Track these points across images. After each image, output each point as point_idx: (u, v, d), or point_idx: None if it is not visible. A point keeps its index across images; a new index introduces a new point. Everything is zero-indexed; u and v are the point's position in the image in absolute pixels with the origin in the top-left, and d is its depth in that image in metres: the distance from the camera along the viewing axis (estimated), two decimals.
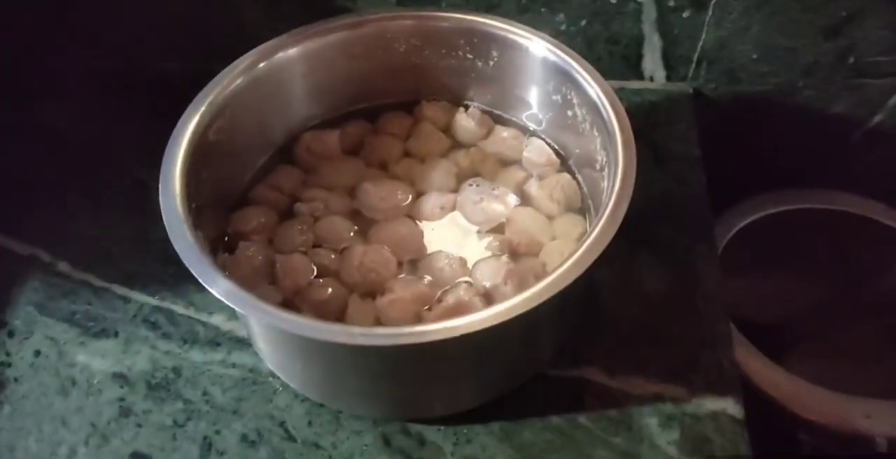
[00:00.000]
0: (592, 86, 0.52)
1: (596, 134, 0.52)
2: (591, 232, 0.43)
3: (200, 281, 0.42)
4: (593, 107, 0.51)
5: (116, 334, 0.58)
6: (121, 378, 0.56)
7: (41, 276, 0.63)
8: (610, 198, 0.45)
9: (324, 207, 0.56)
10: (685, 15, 0.68)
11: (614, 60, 0.73)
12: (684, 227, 0.63)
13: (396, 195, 0.56)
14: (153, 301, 0.60)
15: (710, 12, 0.68)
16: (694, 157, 0.68)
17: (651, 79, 0.75)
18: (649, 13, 0.69)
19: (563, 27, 0.71)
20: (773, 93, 0.75)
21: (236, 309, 0.42)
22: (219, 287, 0.42)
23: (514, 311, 0.40)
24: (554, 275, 0.42)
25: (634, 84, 0.75)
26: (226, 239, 0.55)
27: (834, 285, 0.72)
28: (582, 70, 0.53)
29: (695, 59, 0.72)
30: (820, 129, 0.78)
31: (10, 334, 0.59)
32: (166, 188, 0.47)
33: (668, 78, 0.75)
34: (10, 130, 0.73)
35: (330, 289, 0.51)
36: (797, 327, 0.71)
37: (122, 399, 0.55)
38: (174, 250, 0.43)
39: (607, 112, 0.50)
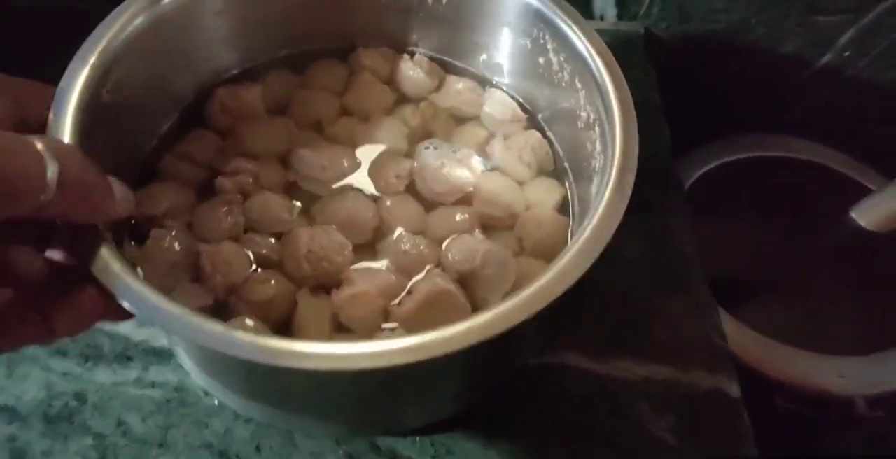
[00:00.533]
0: (574, 30, 0.44)
1: (579, 85, 0.44)
2: (595, 212, 0.36)
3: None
4: (575, 54, 0.44)
5: None
6: (7, 411, 0.45)
7: None
8: (610, 171, 0.38)
9: (252, 181, 0.46)
10: None
11: None
12: (654, 183, 0.57)
13: (341, 162, 0.47)
14: None
15: None
16: (655, 105, 0.63)
17: (601, 18, 0.68)
18: None
19: None
20: (724, 32, 0.70)
21: (159, 326, 0.32)
22: (130, 295, 0.32)
23: (515, 318, 0.33)
24: (555, 270, 0.34)
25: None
26: (132, 222, 0.44)
27: (790, 233, 0.69)
28: (560, 9, 0.44)
29: None
30: (771, 70, 0.74)
31: None
32: None
33: (619, 17, 0.68)
34: None
35: (274, 285, 0.42)
36: (755, 278, 0.68)
37: (12, 440, 0.44)
38: None
39: (595, 61, 0.42)
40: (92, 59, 0.40)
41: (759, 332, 0.63)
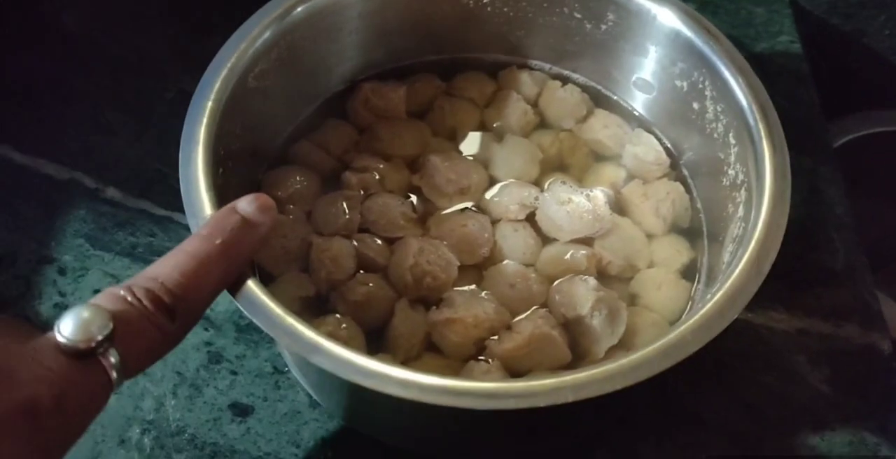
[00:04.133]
0: (738, 81, 0.41)
1: (733, 141, 0.41)
2: (723, 286, 0.34)
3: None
4: (735, 107, 0.41)
5: None
6: (204, 320, 0.47)
7: (88, 204, 0.52)
8: (748, 243, 0.35)
9: (378, 180, 0.46)
10: None
11: None
12: (803, 148, 0.56)
13: (470, 177, 0.46)
14: None
15: None
16: (803, 73, 0.61)
17: None
18: None
19: None
20: (870, 5, 0.67)
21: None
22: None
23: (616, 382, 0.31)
24: (666, 341, 0.32)
25: None
26: None
27: None
28: (727, 57, 0.42)
29: None
30: None
31: (61, 271, 0.50)
32: (188, 159, 0.37)
33: None
34: (24, 35, 0.61)
35: (373, 288, 0.42)
36: (887, 250, 0.67)
37: (209, 344, 0.47)
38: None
39: (755, 118, 0.39)
40: (241, 46, 0.41)
41: None
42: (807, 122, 0.58)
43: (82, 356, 0.27)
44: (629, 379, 0.31)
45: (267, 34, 0.41)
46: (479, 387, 0.31)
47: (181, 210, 0.42)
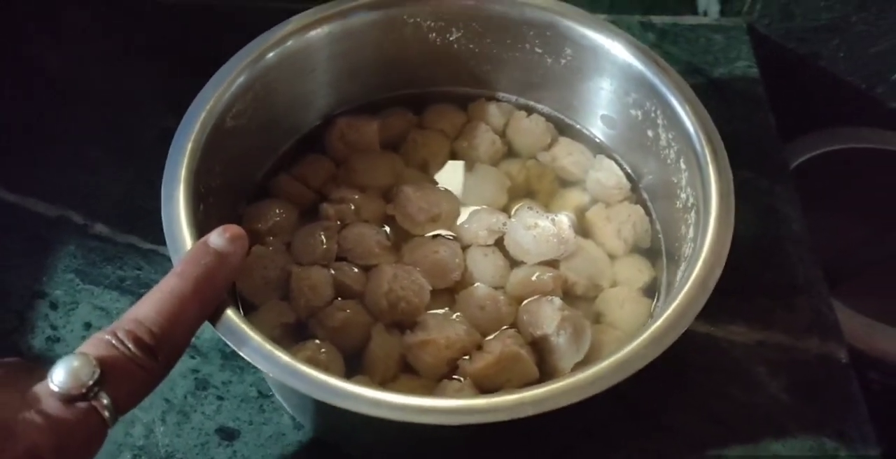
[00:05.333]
0: (686, 111, 0.44)
1: (683, 166, 0.44)
2: (671, 303, 0.36)
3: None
4: (684, 135, 0.43)
5: None
6: (191, 348, 0.50)
7: (77, 240, 0.55)
8: (696, 263, 0.37)
9: (354, 211, 0.49)
10: None
11: None
12: (761, 169, 0.59)
13: (441, 205, 0.49)
14: None
15: None
16: (760, 96, 0.65)
17: (705, 13, 0.70)
18: None
19: None
20: (824, 30, 0.71)
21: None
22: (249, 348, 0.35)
23: (584, 391, 0.34)
24: (623, 353, 0.35)
25: (689, 19, 0.71)
26: None
27: (881, 224, 0.73)
28: (675, 88, 0.44)
29: None
30: (862, 67, 0.74)
31: (53, 305, 0.52)
32: (169, 197, 0.40)
33: (722, 12, 0.70)
34: (9, 77, 0.64)
35: (350, 314, 0.44)
36: (847, 264, 0.72)
37: (195, 371, 0.49)
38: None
39: (702, 145, 0.42)
40: (219, 90, 0.44)
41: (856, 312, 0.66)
42: (763, 144, 0.61)
43: (76, 401, 0.30)
44: (587, 392, 0.33)
45: (242, 78, 0.44)
46: (446, 405, 0.33)
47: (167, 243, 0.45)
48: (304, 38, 0.47)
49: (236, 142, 0.45)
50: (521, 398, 0.33)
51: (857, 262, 0.78)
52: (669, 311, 0.35)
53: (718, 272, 0.37)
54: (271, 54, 0.46)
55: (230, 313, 0.35)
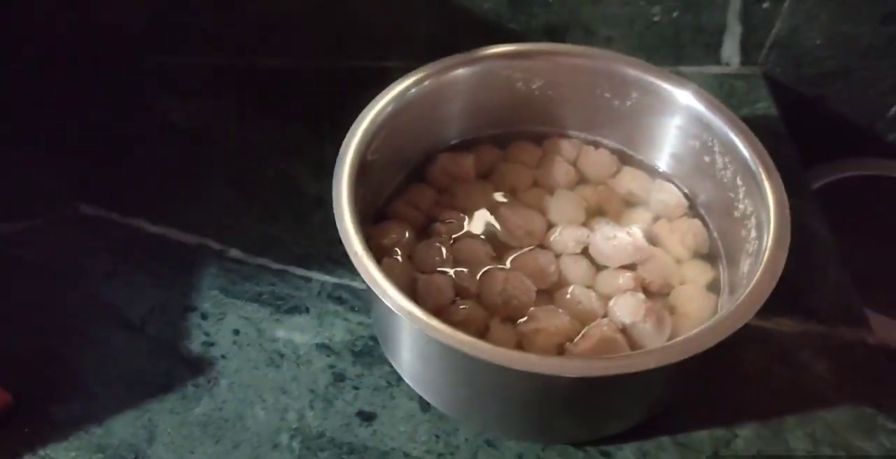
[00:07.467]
0: (741, 139, 0.54)
1: (740, 183, 0.54)
2: (748, 286, 0.46)
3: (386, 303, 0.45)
4: (740, 158, 0.54)
5: (307, 310, 0.62)
6: (325, 348, 0.59)
7: (217, 263, 0.65)
8: (764, 254, 0.47)
9: (461, 228, 0.59)
10: (765, 5, 0.75)
11: (697, 47, 0.80)
12: (790, 191, 0.64)
13: (534, 223, 0.59)
14: (332, 279, 0.63)
15: (787, 3, 0.75)
16: (781, 132, 0.76)
17: (727, 64, 0.82)
18: (735, 4, 0.76)
19: (656, 18, 0.77)
20: (829, 76, 0.82)
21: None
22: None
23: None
24: (714, 321, 0.44)
25: (714, 69, 0.82)
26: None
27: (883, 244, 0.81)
28: (729, 120, 0.55)
29: (767, 45, 0.80)
30: (863, 106, 0.85)
31: (204, 316, 0.61)
32: (339, 207, 0.49)
33: (742, 63, 0.81)
34: (144, 130, 0.75)
35: (472, 311, 0.53)
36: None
37: (332, 366, 0.58)
38: (337, 233, 0.48)
39: (756, 165, 0.52)
40: (362, 128, 0.54)
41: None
42: (789, 171, 0.69)
43: None
44: (691, 351, 0.43)
45: (381, 118, 0.55)
46: (583, 363, 0.42)
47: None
48: (419, 89, 0.58)
49: (373, 173, 0.55)
50: (647, 354, 0.42)
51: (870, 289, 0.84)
52: (752, 286, 0.45)
53: (783, 259, 0.46)
54: (395, 104, 0.56)
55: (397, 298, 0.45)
